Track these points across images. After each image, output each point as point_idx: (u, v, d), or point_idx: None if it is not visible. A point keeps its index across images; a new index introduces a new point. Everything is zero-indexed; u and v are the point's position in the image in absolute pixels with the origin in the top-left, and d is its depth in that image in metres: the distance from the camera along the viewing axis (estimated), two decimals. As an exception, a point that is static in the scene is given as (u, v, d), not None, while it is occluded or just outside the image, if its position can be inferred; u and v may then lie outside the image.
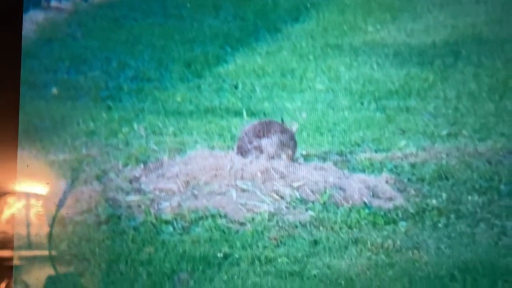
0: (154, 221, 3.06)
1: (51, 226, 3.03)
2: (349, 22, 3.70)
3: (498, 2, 3.59)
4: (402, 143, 3.28)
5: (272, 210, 3.09)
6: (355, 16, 3.71)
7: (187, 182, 3.17)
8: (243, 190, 3.15)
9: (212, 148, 3.29)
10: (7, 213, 3.02)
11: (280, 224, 3.06)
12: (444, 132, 3.31)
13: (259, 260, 2.97)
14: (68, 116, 3.33)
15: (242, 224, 3.06)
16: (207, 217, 3.07)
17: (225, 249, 3.00)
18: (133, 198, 3.13)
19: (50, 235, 3.02)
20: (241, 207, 3.10)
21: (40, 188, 3.09)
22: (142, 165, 3.23)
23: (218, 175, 3.19)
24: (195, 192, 3.15)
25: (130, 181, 3.18)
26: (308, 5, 3.77)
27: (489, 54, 3.49)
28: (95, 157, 3.23)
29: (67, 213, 3.08)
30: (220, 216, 3.08)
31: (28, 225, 3.04)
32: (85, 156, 3.23)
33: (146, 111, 3.37)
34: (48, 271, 2.99)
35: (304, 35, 3.65)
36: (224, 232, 3.04)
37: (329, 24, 3.71)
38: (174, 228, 3.05)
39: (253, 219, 3.07)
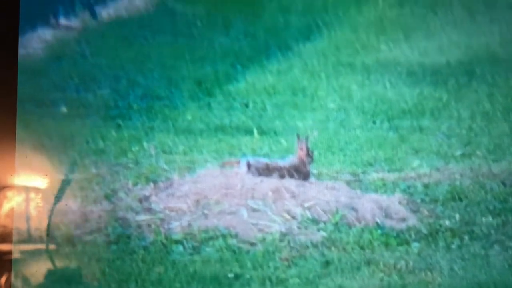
0: (164, 240, 3.16)
1: (50, 218, 3.11)
2: (362, 40, 3.80)
3: (512, 21, 3.70)
4: (415, 163, 3.38)
5: (283, 230, 3.18)
6: (367, 34, 3.81)
7: (197, 201, 3.27)
8: (254, 210, 3.25)
9: (223, 166, 3.39)
10: (6, 206, 3.09)
11: (292, 244, 3.15)
12: (458, 153, 3.40)
13: (270, 281, 3.05)
14: (77, 135, 3.43)
15: (253, 244, 3.16)
16: (217, 237, 3.17)
17: (236, 269, 3.08)
18: (143, 217, 3.23)
19: (48, 228, 3.10)
20: (252, 226, 3.20)
21: (39, 180, 3.16)
22: (152, 184, 3.33)
23: (228, 194, 3.29)
24: (206, 211, 3.24)
25: (140, 201, 3.28)
26: (320, 23, 3.88)
27: (503, 73, 3.58)
28: (104, 176, 3.33)
29: (66, 204, 3.16)
30: (231, 236, 3.17)
31: (28, 218, 3.11)
32: (94, 175, 3.33)
33: (156, 130, 3.47)
34: (48, 264, 3.07)
35: (316, 54, 3.75)
36: (234, 252, 3.13)
37: (341, 42, 3.81)
38: (184, 248, 3.14)
39: (264, 239, 3.16)
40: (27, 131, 3.28)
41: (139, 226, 3.20)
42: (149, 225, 3.21)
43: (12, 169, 3.12)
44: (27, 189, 3.13)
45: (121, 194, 3.30)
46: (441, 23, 3.79)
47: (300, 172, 3.35)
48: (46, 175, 3.18)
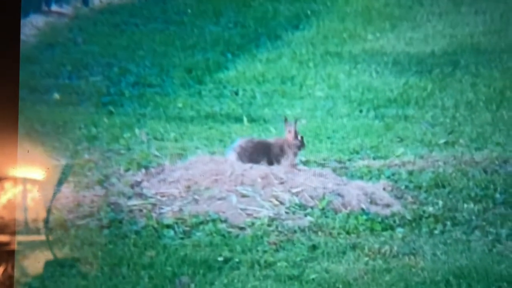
0: (155, 225, 3.25)
1: (48, 211, 3.18)
2: (349, 30, 3.89)
3: (496, 13, 3.80)
4: (400, 151, 3.48)
5: (271, 215, 3.28)
6: (355, 24, 3.91)
7: (188, 187, 3.36)
8: (243, 195, 3.34)
9: (213, 153, 3.48)
10: (7, 198, 3.15)
11: (280, 229, 3.24)
12: (442, 141, 3.50)
13: (259, 264, 3.15)
14: (70, 121, 3.51)
15: (242, 228, 3.25)
16: (207, 222, 3.26)
17: (226, 253, 3.17)
18: (134, 202, 3.31)
19: (47, 220, 3.18)
20: (241, 212, 3.29)
21: (40, 173, 3.23)
22: (143, 170, 3.42)
23: (218, 180, 3.38)
24: (196, 197, 3.34)
25: (132, 186, 3.37)
26: (309, 13, 3.97)
27: (486, 64, 3.69)
28: (97, 162, 3.41)
29: (67, 198, 3.24)
30: (221, 220, 3.26)
31: (29, 210, 3.17)
32: (87, 161, 3.41)
33: (147, 117, 3.56)
34: (48, 255, 3.14)
35: (304, 43, 3.84)
36: (224, 236, 3.23)
37: (329, 32, 3.90)
38: (175, 232, 3.23)
39: (253, 224, 3.26)
40: (21, 118, 3.34)
41: (131, 211, 3.28)
42: (140, 210, 3.29)
43: (14, 161, 3.16)
44: (28, 181, 3.18)
45: (113, 180, 3.38)
46: (426, 14, 3.89)
47: (286, 153, 3.44)
48: (48, 169, 3.25)
